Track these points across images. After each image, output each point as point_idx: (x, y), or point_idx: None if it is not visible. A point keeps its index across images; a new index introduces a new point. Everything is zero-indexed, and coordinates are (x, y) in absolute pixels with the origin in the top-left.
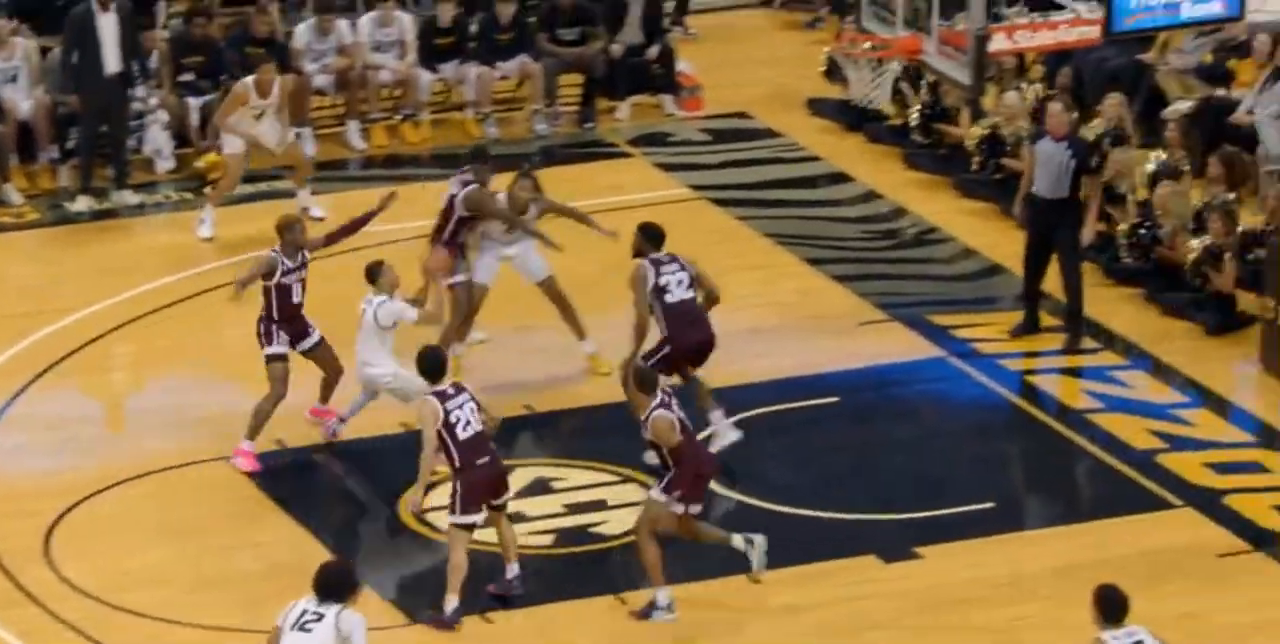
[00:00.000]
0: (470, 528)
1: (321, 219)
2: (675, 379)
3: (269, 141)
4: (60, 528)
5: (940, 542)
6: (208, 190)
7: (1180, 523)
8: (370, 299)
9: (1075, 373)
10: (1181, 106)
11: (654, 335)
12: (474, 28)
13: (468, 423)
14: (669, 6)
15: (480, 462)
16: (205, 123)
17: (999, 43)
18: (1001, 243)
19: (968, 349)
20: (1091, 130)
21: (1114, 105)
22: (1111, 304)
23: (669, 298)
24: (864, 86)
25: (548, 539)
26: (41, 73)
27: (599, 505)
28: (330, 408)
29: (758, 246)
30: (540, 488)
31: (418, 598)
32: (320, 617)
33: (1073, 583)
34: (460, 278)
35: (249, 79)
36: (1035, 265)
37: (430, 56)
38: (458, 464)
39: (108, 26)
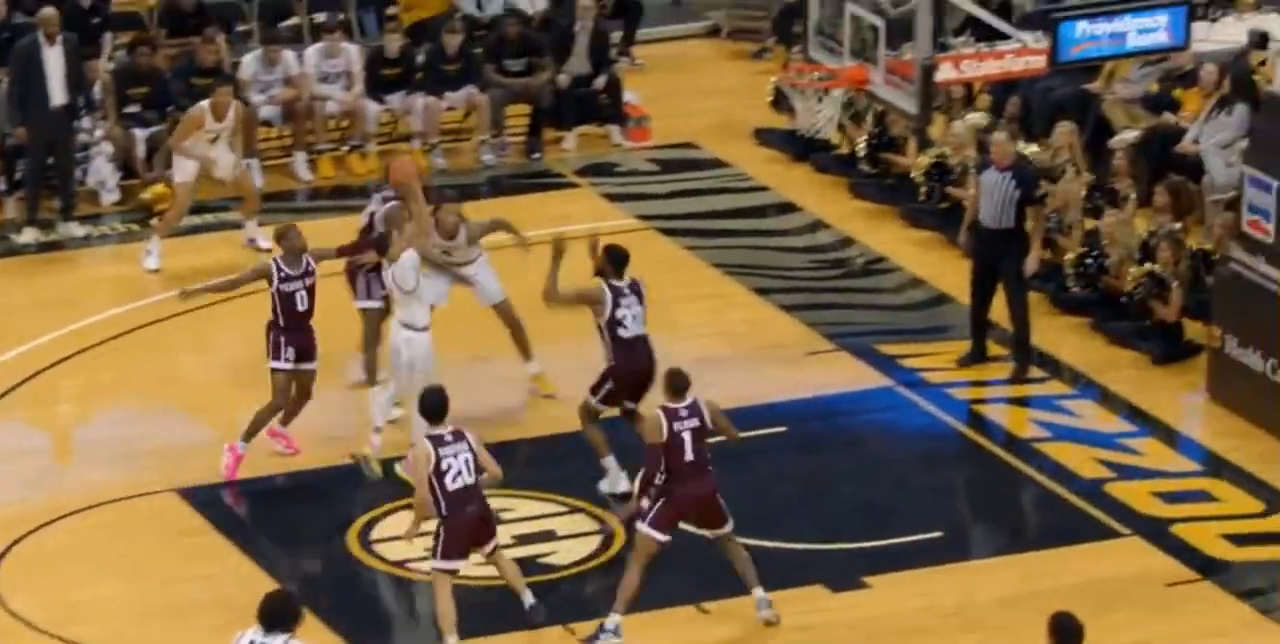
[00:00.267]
0: (452, 573)
1: (269, 250)
2: (614, 411)
3: (222, 168)
4: (7, 560)
5: (889, 571)
6: (154, 221)
7: (1128, 552)
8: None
9: (1023, 402)
10: (1128, 136)
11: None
12: (421, 58)
13: (458, 473)
14: (615, 37)
15: (468, 509)
16: (151, 154)
17: (945, 72)
18: (949, 272)
19: (915, 379)
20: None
21: (1065, 134)
22: (1058, 333)
23: (622, 331)
24: (811, 116)
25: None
26: None
27: (548, 536)
28: (288, 432)
29: (706, 276)
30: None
31: (367, 630)
32: None
33: (1021, 612)
34: (371, 304)
35: (204, 103)
36: (981, 295)
37: (377, 87)
38: (443, 511)
39: (54, 59)
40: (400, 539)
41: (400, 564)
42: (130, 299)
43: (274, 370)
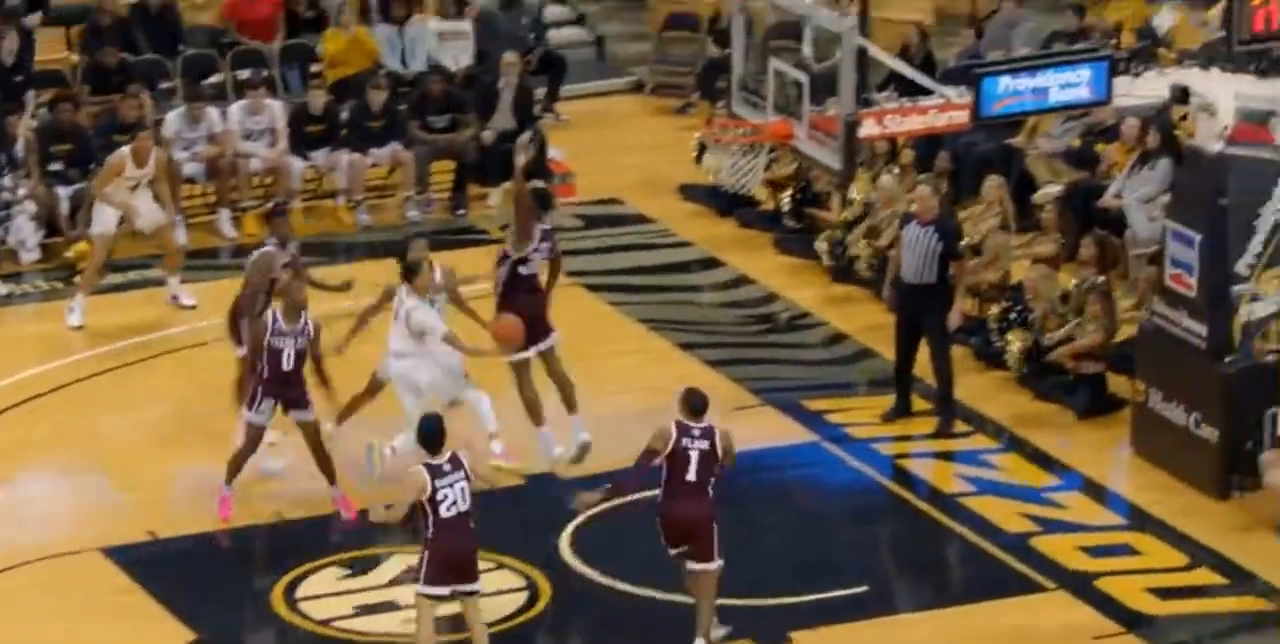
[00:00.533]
0: (435, 599)
1: (192, 307)
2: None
3: (143, 217)
4: None
5: (815, 626)
6: (77, 279)
7: (1053, 606)
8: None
9: (948, 457)
10: (1051, 190)
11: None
12: (345, 115)
13: (454, 502)
14: (540, 93)
15: (456, 540)
16: (75, 212)
17: (869, 128)
18: (873, 327)
19: (841, 434)
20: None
21: (995, 188)
22: (983, 387)
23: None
24: (735, 172)
25: None
26: None
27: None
28: (343, 495)
29: (631, 332)
30: (412, 577)
31: None
32: None
33: None
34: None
35: (125, 148)
36: (905, 349)
37: (301, 144)
38: (430, 536)
39: None
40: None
41: (325, 623)
42: (54, 357)
43: (246, 421)
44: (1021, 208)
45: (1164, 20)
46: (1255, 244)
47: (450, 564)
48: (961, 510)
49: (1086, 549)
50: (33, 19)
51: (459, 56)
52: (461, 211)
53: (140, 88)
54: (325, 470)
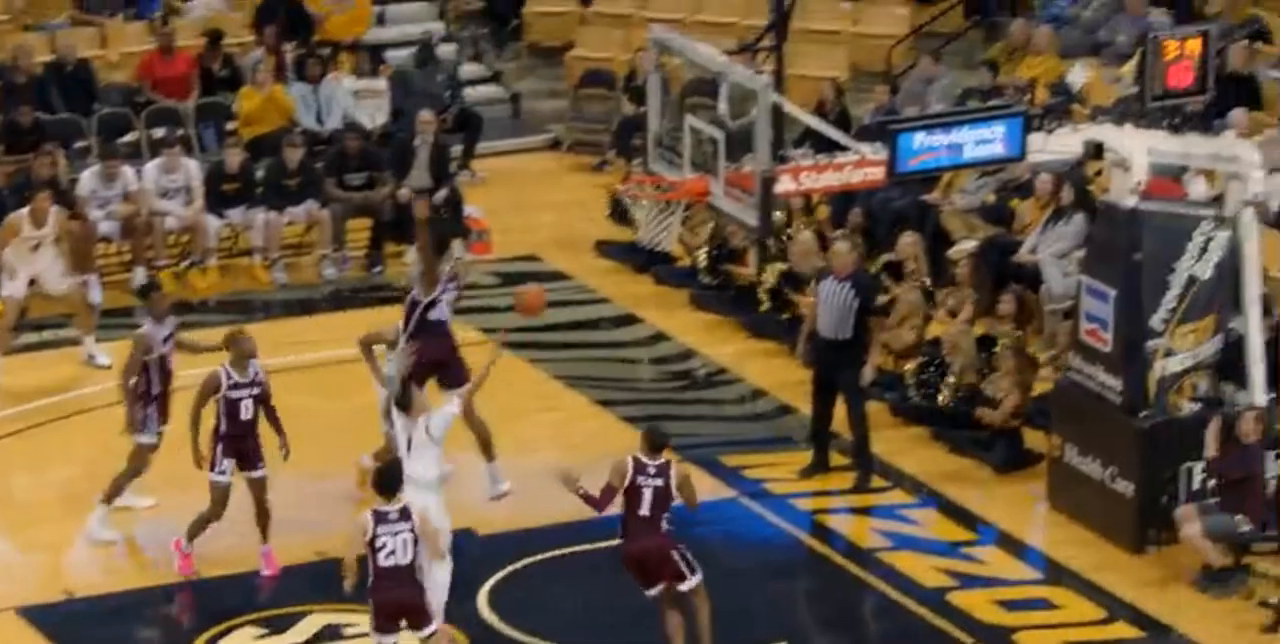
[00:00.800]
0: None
1: (107, 367)
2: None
3: (49, 280)
4: None
5: None
6: None
7: None
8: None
9: (865, 512)
10: (966, 246)
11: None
12: (261, 173)
13: (392, 552)
14: (456, 150)
15: (393, 590)
16: None
17: (785, 184)
18: (790, 383)
19: (759, 489)
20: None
21: (909, 244)
22: (900, 442)
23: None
24: (651, 228)
25: None
26: None
27: None
28: (269, 550)
29: (549, 389)
30: (330, 634)
31: None
32: None
33: None
34: (147, 439)
35: (22, 210)
36: (822, 405)
37: (217, 202)
38: (370, 584)
39: None
40: None
41: None
42: None
43: (211, 482)
44: (936, 263)
45: (1078, 77)
46: (1169, 299)
47: (389, 614)
48: (879, 565)
49: (1004, 603)
50: None
51: (375, 114)
52: (378, 269)
53: (55, 146)
54: (263, 526)
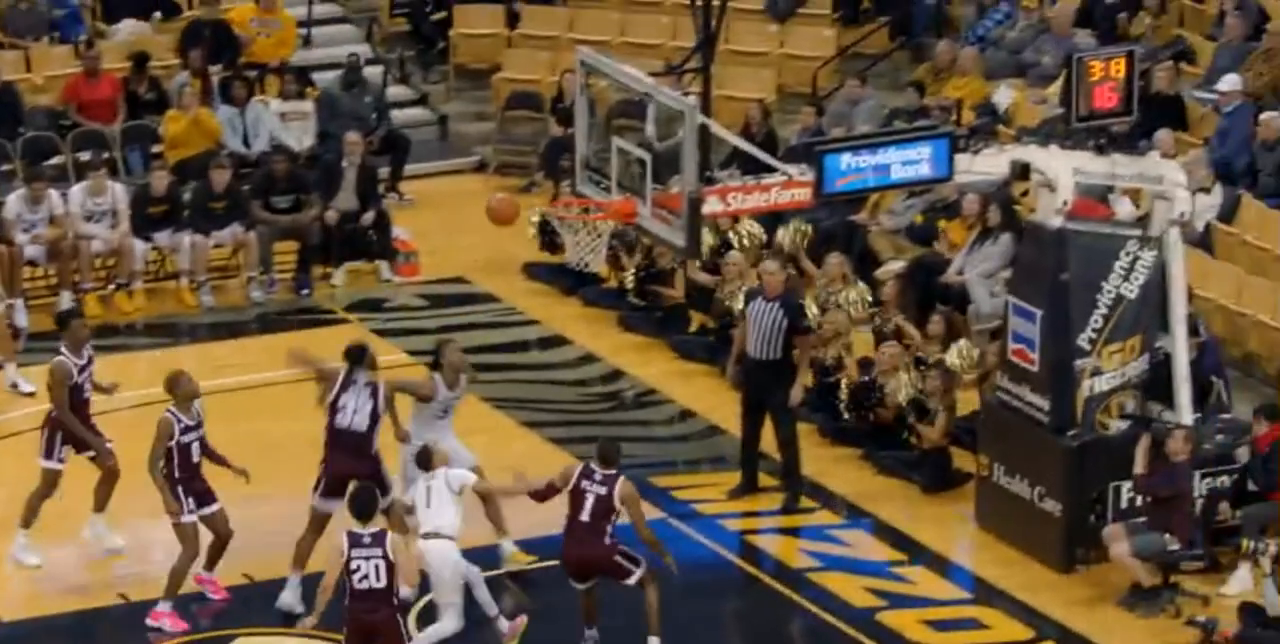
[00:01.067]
0: None
1: (31, 394)
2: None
3: None
4: None
5: None
6: None
7: None
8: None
9: (794, 532)
10: (893, 266)
11: None
12: (188, 196)
13: (365, 576)
14: (383, 172)
15: (366, 613)
16: None
17: (713, 205)
18: (720, 404)
19: (688, 510)
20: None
21: (836, 264)
22: (828, 463)
23: (338, 420)
24: (579, 250)
25: None
26: None
27: None
28: (216, 577)
29: (478, 411)
30: None
31: None
32: None
33: None
34: (53, 465)
35: None
36: (751, 426)
37: (143, 225)
38: (346, 604)
39: None
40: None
41: None
42: None
43: (179, 525)
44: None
45: (1003, 98)
46: (1096, 318)
47: (361, 637)
48: (808, 585)
49: (932, 623)
50: None
51: (302, 137)
52: (306, 291)
53: None
54: (215, 557)
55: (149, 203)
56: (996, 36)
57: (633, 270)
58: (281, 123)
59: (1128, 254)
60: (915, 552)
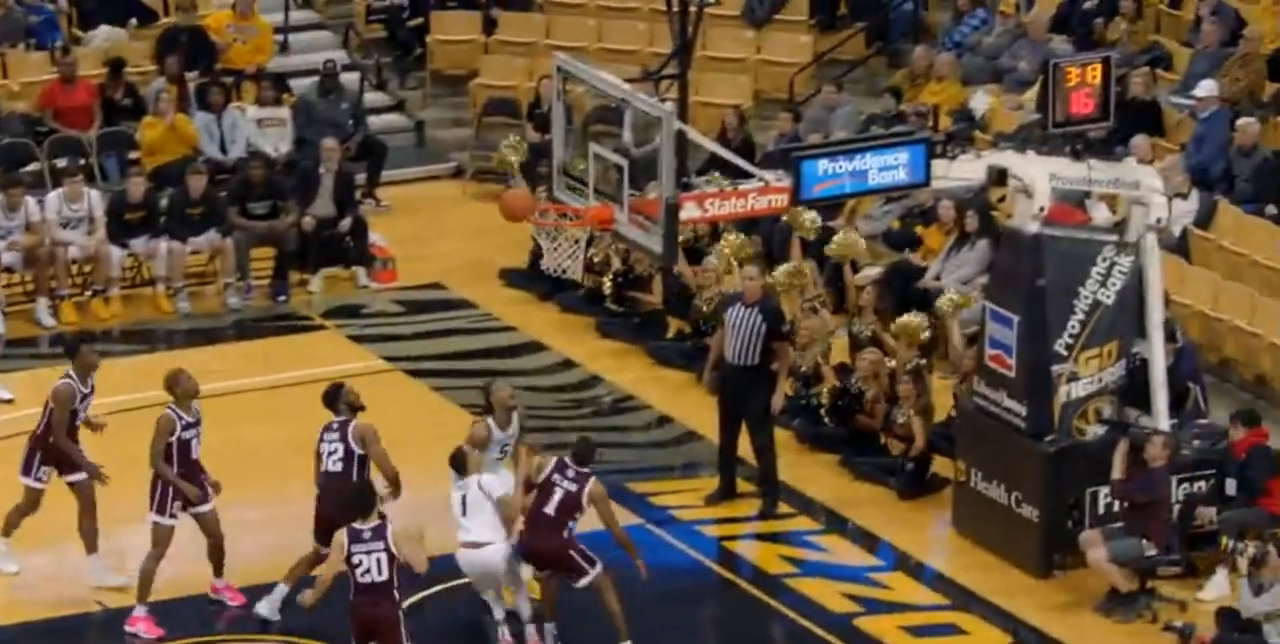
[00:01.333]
0: None
1: (10, 401)
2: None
3: None
4: None
5: None
6: None
7: None
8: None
9: (771, 538)
10: (870, 272)
11: None
12: (164, 202)
13: (368, 570)
14: (360, 178)
15: (367, 607)
16: None
17: (690, 211)
18: (697, 410)
19: (666, 516)
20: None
21: (809, 270)
22: (806, 469)
23: (321, 466)
24: (557, 256)
25: None
26: None
27: None
28: (230, 583)
29: (454, 417)
30: None
31: None
32: None
33: None
34: (36, 483)
35: None
36: (729, 432)
37: (120, 232)
38: (350, 598)
39: None
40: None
41: None
42: None
43: (157, 524)
44: (841, 290)
45: (980, 103)
46: (1073, 324)
47: (362, 630)
48: (786, 591)
49: (910, 629)
50: None
51: (278, 143)
52: (283, 298)
53: None
54: (218, 560)
55: (126, 209)
56: (973, 42)
57: (610, 276)
58: (258, 129)
59: (1104, 260)
60: (892, 557)
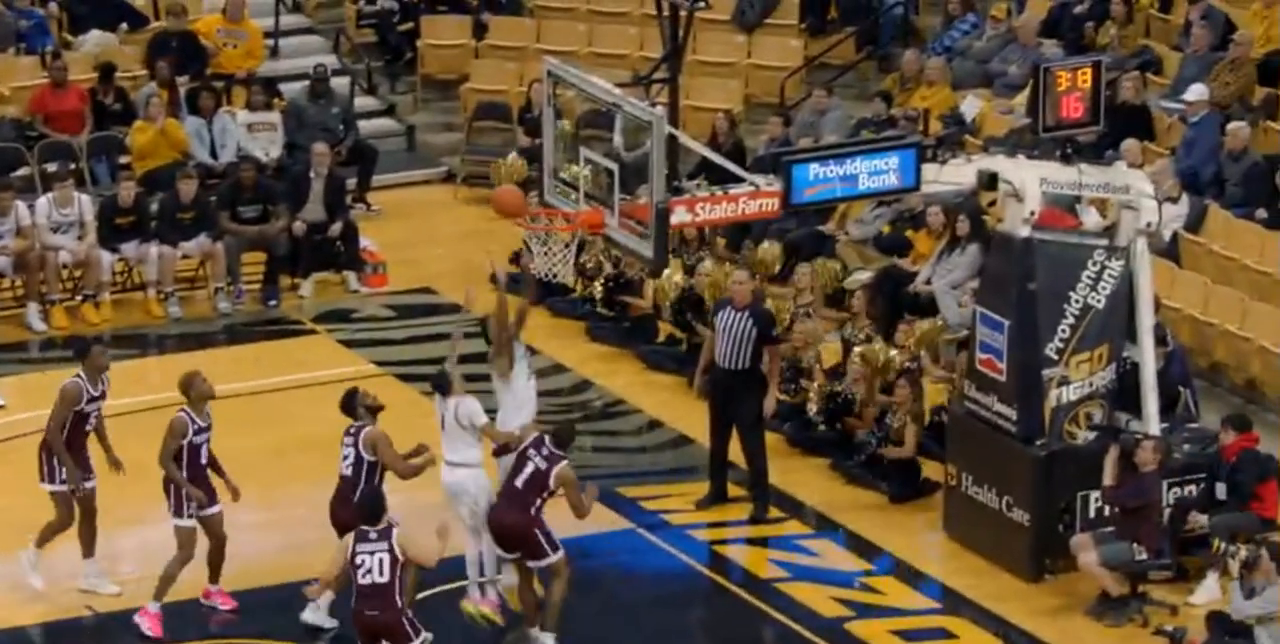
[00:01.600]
0: None
1: (1, 407)
2: None
3: None
4: None
5: None
6: None
7: None
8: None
9: (762, 542)
10: (861, 276)
11: None
12: (155, 207)
13: (369, 571)
14: (351, 183)
15: (369, 609)
16: None
17: (680, 215)
18: (688, 414)
19: (657, 520)
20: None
21: (806, 275)
22: (797, 473)
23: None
24: (548, 261)
25: None
26: None
27: None
28: (222, 589)
29: None
30: None
31: None
32: None
33: None
34: (57, 487)
35: None
36: (720, 436)
37: (110, 236)
38: (351, 604)
39: None
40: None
41: None
42: None
43: (178, 527)
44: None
45: (970, 108)
46: (1064, 328)
47: (365, 632)
48: (777, 596)
49: (901, 633)
50: None
51: (269, 148)
52: (273, 303)
53: None
54: (216, 565)
55: (116, 214)
56: (963, 46)
57: (601, 281)
58: (249, 134)
59: (1095, 264)
60: (883, 561)
